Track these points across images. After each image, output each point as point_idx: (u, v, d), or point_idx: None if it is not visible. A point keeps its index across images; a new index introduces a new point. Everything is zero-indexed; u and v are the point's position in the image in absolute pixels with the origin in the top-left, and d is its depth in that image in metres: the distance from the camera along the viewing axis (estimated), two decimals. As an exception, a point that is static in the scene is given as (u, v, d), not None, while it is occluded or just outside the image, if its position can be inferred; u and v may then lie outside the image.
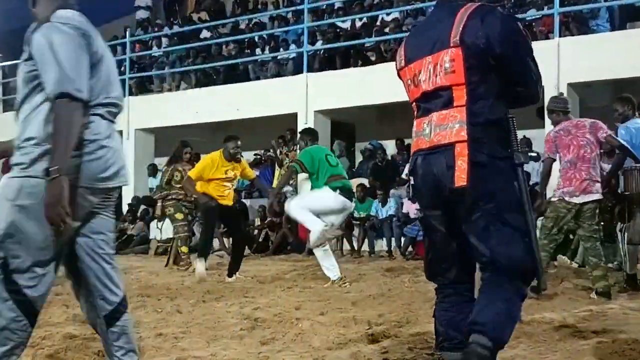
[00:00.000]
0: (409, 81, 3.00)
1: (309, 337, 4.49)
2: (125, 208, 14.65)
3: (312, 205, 7.15)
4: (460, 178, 2.72)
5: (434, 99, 2.88)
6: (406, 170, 9.73)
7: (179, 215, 9.44)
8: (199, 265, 7.90)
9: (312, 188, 7.36)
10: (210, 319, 5.22)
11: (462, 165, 2.73)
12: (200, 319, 5.23)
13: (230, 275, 7.94)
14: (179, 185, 9.27)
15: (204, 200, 8.05)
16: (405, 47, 3.05)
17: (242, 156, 8.29)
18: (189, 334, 4.66)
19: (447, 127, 2.79)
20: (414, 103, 3.01)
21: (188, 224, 9.85)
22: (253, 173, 8.71)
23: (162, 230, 12.94)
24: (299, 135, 7.94)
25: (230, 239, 12.27)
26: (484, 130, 2.77)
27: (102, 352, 4.04)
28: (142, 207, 14.21)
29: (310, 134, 7.79)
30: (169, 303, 6.09)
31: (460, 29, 2.78)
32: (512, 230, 2.75)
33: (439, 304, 3.06)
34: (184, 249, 9.47)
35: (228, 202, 8.11)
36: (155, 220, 13.20)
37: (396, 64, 3.11)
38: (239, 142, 8.00)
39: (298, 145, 8.17)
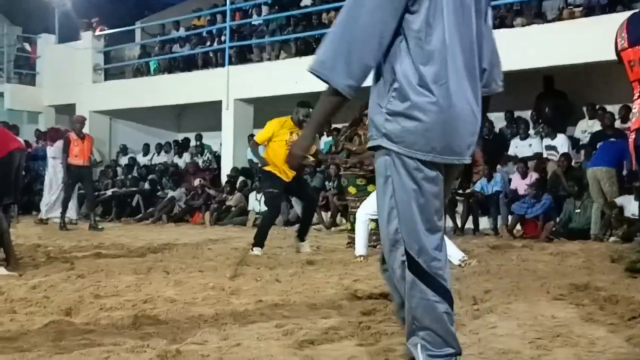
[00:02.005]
0: (633, 62, 3.28)
1: (412, 310, 4.33)
2: (224, 179, 14.78)
3: (373, 208, 6.88)
4: None
5: None
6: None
7: (352, 190, 8.37)
8: (256, 253, 7.53)
9: None
10: (309, 288, 5.19)
11: None
12: (299, 288, 5.22)
13: (302, 239, 7.99)
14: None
15: (268, 184, 7.88)
16: (627, 31, 3.29)
17: None
18: (288, 302, 4.63)
19: None
20: (637, 82, 3.33)
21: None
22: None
23: (260, 202, 12.95)
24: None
25: (327, 212, 12.27)
26: None
27: (203, 316, 4.05)
28: (241, 178, 14.26)
29: None
30: (268, 272, 6.08)
31: None
32: None
33: None
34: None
35: (289, 175, 7.68)
36: (254, 192, 13.22)
37: (616, 45, 3.36)
38: (311, 110, 7.73)
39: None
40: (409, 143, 2.41)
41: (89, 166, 12.26)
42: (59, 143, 12.52)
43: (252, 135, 15.04)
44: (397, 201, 2.49)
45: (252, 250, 7.59)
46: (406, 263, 2.51)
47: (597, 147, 10.20)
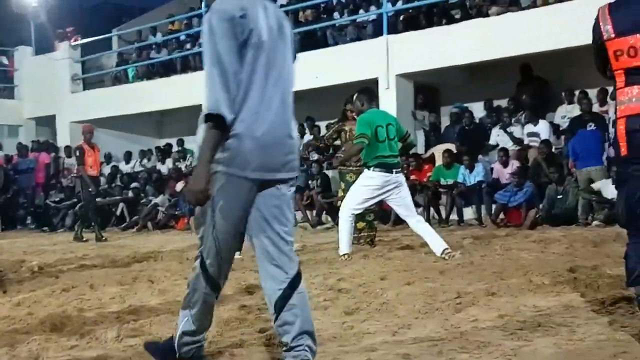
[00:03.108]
0: (619, 52, 3.36)
1: (394, 306, 4.45)
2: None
3: (354, 201, 7.01)
4: None
5: None
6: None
7: (342, 185, 8.33)
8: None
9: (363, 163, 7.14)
10: (293, 290, 5.11)
11: None
12: (283, 290, 5.12)
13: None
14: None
15: None
16: (611, 21, 3.37)
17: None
18: (272, 304, 4.56)
19: None
20: (622, 71, 3.38)
21: None
22: None
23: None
24: (355, 95, 7.47)
25: (312, 211, 12.24)
26: None
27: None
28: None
29: (367, 94, 7.33)
30: (253, 275, 6.01)
31: None
32: None
33: (632, 245, 3.41)
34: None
35: None
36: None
37: (600, 34, 3.41)
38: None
39: (354, 107, 7.65)
40: (229, 163, 2.84)
41: (98, 176, 12.07)
42: None
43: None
44: (219, 212, 2.93)
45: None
46: None
47: (577, 134, 10.33)
